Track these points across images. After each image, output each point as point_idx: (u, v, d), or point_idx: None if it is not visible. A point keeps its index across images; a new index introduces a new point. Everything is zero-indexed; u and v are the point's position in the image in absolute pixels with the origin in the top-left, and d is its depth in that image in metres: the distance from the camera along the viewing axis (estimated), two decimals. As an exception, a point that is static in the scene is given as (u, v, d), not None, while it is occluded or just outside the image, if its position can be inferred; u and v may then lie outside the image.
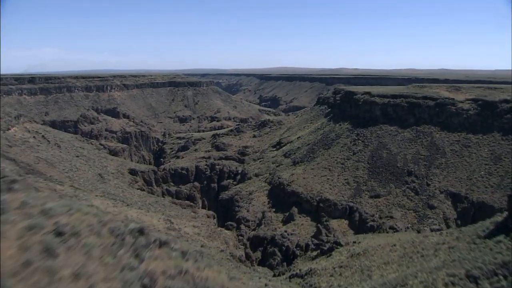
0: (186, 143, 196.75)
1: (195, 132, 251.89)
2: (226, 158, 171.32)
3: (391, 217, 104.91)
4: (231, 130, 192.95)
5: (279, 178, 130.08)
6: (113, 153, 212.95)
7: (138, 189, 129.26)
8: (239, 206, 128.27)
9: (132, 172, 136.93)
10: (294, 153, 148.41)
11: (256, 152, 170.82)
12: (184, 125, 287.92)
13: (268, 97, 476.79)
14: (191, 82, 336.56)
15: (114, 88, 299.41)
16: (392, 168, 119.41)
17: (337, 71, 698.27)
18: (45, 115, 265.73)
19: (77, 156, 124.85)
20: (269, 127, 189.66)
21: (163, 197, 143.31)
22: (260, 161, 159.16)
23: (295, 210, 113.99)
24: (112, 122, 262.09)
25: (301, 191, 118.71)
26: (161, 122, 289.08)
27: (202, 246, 71.60)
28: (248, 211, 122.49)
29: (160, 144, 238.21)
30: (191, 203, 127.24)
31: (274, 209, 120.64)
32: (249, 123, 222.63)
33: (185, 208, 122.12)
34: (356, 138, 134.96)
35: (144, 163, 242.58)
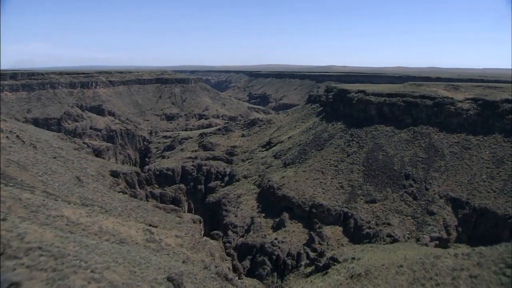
0: (172, 143, 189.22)
1: (183, 130, 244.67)
2: (214, 158, 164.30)
3: (388, 224, 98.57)
4: (219, 129, 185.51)
5: (269, 180, 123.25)
6: (97, 152, 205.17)
7: (120, 192, 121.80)
8: (227, 210, 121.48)
9: (114, 174, 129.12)
10: (285, 154, 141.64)
11: (245, 152, 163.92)
12: (171, 123, 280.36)
13: (257, 94, 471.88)
14: (179, 79, 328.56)
15: (100, 85, 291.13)
16: (388, 171, 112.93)
17: (326, 69, 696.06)
18: (27, 112, 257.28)
19: (54, 158, 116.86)
20: (259, 126, 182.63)
21: (147, 200, 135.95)
22: (249, 162, 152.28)
23: (286, 215, 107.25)
24: (97, 120, 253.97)
25: (292, 195, 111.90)
26: (147, 120, 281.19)
27: (183, 261, 64.50)
28: (236, 216, 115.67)
29: (145, 143, 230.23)
30: (176, 207, 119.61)
31: (263, 214, 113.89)
32: (237, 122, 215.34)
33: (169, 212, 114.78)
34: (350, 139, 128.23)
35: (130, 162, 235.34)
